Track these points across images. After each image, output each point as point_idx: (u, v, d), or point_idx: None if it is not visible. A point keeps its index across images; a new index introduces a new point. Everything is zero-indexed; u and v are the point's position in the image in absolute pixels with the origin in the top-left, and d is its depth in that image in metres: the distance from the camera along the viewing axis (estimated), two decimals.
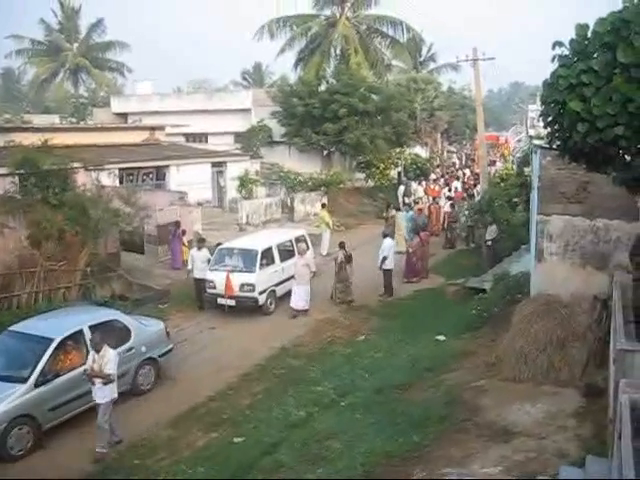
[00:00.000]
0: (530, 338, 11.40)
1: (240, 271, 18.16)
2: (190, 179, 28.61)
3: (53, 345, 11.72)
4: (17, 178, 18.65)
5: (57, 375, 11.64)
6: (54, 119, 45.32)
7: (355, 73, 36.65)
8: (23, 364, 11.71)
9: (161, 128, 34.66)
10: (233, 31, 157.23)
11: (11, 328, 12.70)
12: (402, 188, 34.99)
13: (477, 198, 28.37)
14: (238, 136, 39.06)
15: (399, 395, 12.04)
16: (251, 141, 37.64)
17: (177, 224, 21.92)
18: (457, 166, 53.34)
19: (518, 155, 42.61)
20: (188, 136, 39.72)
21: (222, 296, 17.93)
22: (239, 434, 11.54)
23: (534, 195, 14.46)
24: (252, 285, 17.84)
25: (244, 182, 31.11)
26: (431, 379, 12.59)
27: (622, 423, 5.62)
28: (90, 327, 12.40)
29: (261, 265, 18.24)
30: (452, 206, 28.77)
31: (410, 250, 21.71)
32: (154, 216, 21.93)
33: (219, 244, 19.91)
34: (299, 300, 17.98)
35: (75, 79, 60.99)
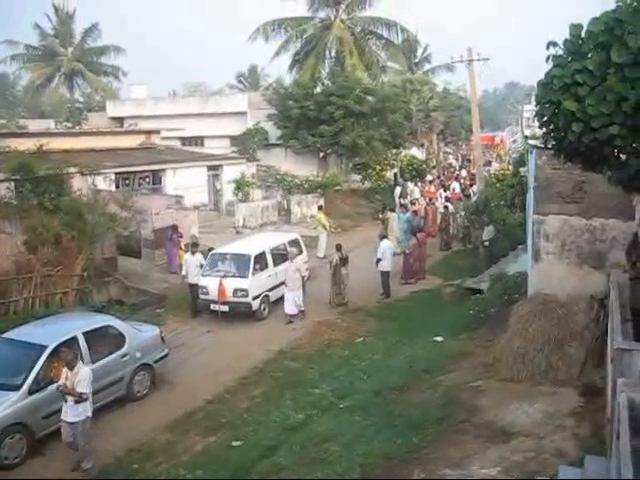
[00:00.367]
0: (527, 338, 11.40)
1: (233, 276, 18.00)
2: (186, 182, 28.59)
3: (47, 352, 11.60)
4: (13, 184, 18.63)
5: (51, 382, 11.39)
6: (49, 124, 45.26)
7: (350, 75, 36.67)
8: (16, 371, 11.54)
9: (157, 132, 34.62)
10: (228, 34, 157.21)
11: (4, 335, 12.61)
12: (398, 189, 35.00)
13: (473, 198, 28.38)
14: (234, 139, 39.04)
15: (397, 397, 12.02)
16: (247, 144, 37.65)
17: (174, 228, 21.78)
18: (457, 167, 53.36)
19: (514, 155, 42.72)
20: (184, 140, 39.69)
21: (215, 302, 17.76)
22: (237, 438, 11.52)
23: (530, 195, 14.48)
24: (245, 290, 17.67)
25: (240, 185, 31.11)
26: (429, 380, 12.58)
27: (620, 422, 5.62)
28: (84, 333, 12.35)
29: (254, 270, 18.07)
30: (445, 207, 28.76)
31: (407, 251, 21.71)
32: (150, 220, 21.91)
33: (211, 249, 19.82)
34: (292, 306, 17.81)
35: (70, 84, 60.89)
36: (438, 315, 17.72)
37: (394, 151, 39.78)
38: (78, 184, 20.74)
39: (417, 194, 34.19)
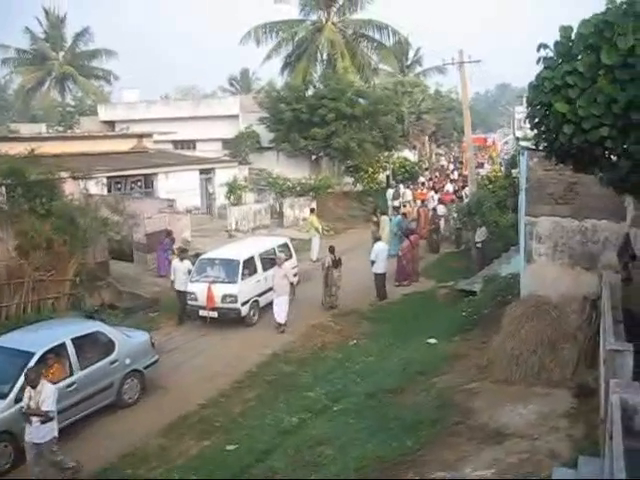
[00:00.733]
0: (521, 339, 11.42)
1: (222, 282, 17.74)
2: (178, 186, 28.57)
3: (34, 359, 11.37)
4: (4, 188, 18.55)
5: None
6: (41, 128, 45.12)
7: (342, 77, 36.69)
8: (3, 379, 11.35)
9: (149, 136, 34.58)
10: (220, 37, 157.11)
11: None
12: (390, 192, 35.05)
13: (466, 200, 28.43)
14: (226, 142, 39.01)
15: (391, 399, 12.02)
16: (239, 147, 37.61)
17: (168, 233, 21.54)
18: (451, 168, 53.49)
19: (506, 157, 42.87)
20: (176, 143, 39.66)
21: (204, 308, 17.50)
22: (232, 441, 11.48)
23: (522, 196, 14.52)
24: (234, 296, 17.40)
25: (233, 188, 31.06)
26: (423, 383, 12.58)
27: (613, 423, 5.64)
28: (73, 340, 12.21)
29: (243, 275, 17.78)
30: (433, 209, 28.78)
31: (400, 254, 21.72)
32: (143, 224, 21.86)
33: (198, 254, 19.67)
34: (282, 312, 17.37)
35: (62, 87, 60.76)
36: (431, 317, 17.74)
37: (386, 153, 39.84)
38: (70, 188, 20.65)
39: (409, 196, 34.23)
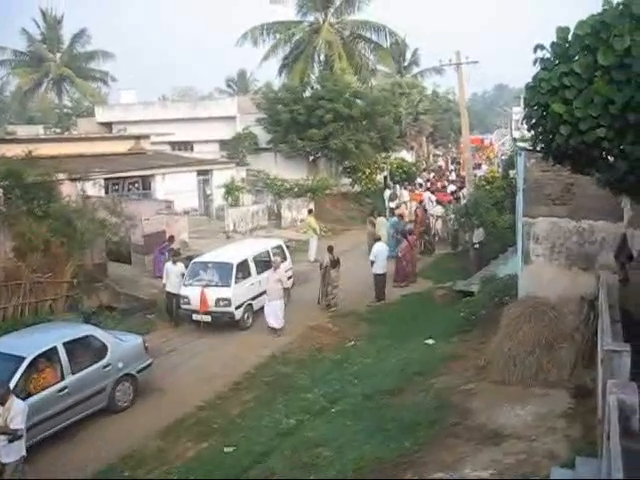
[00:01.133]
0: (518, 340, 11.43)
1: (215, 285, 17.57)
2: (176, 188, 28.55)
3: (25, 364, 11.25)
4: (1, 190, 18.52)
5: (29, 395, 11.12)
6: (38, 130, 45.19)
7: (339, 78, 36.70)
8: None
9: (146, 137, 34.53)
10: (217, 39, 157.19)
11: None
12: (388, 193, 35.07)
13: (463, 201, 28.45)
14: (224, 144, 39.03)
15: (389, 400, 12.02)
16: (237, 148, 37.62)
17: (171, 239, 21.15)
18: (451, 168, 53.55)
19: (503, 157, 42.91)
20: (173, 144, 39.63)
21: (197, 312, 17.34)
22: (229, 443, 11.48)
23: (519, 197, 14.53)
24: (228, 300, 17.23)
25: (230, 190, 31.05)
26: (421, 383, 12.58)
27: (610, 424, 5.64)
28: (64, 344, 12.09)
29: (237, 279, 17.59)
30: (424, 210, 28.76)
31: (400, 254, 21.71)
32: (140, 225, 21.83)
33: (190, 257, 19.52)
34: (275, 318, 17.18)
35: (59, 89, 60.76)
36: (429, 318, 17.74)
37: (384, 154, 39.85)
38: (67, 190, 20.64)
39: (406, 197, 34.20)
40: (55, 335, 12.62)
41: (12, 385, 10.59)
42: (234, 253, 19.00)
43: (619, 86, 6.61)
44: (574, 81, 6.95)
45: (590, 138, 6.98)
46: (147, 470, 10.82)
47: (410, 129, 48.44)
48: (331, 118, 33.75)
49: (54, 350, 11.93)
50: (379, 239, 21.34)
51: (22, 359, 11.35)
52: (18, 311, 17.01)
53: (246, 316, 17.82)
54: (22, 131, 41.80)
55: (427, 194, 33.33)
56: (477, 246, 22.46)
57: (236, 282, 17.55)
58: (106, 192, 25.80)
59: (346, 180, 38.34)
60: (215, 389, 13.82)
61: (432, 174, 48.32)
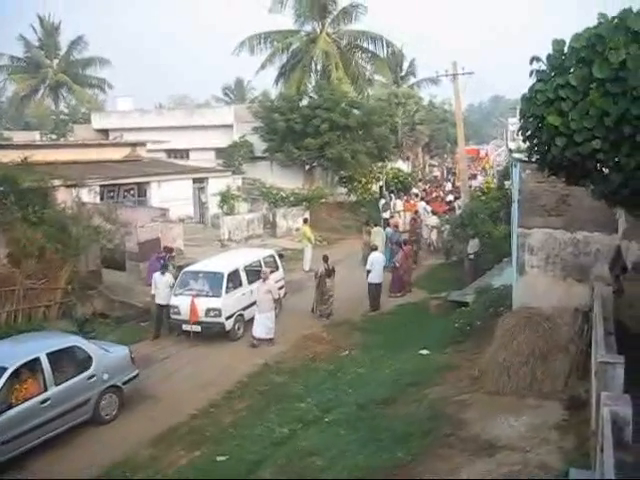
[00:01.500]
0: (513, 351, 11.43)
1: (206, 295, 17.32)
2: (172, 195, 28.55)
3: (6, 374, 11.03)
4: None
5: (10, 406, 10.98)
6: (34, 136, 45.09)
7: (336, 88, 36.78)
8: None
9: (142, 144, 34.53)
10: (214, 46, 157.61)
11: None
12: (382, 202, 35.14)
13: (458, 212, 28.48)
14: (220, 152, 39.05)
15: (382, 410, 12.00)
16: (233, 157, 37.65)
17: (169, 250, 20.91)
18: (450, 179, 53.61)
19: (499, 168, 43.02)
20: (169, 152, 39.64)
21: (187, 322, 17.05)
22: (222, 452, 11.42)
23: (515, 208, 14.56)
24: (218, 310, 16.99)
25: (226, 198, 31.06)
26: (415, 394, 12.56)
27: (604, 436, 5.64)
28: (48, 354, 11.84)
29: (227, 289, 17.36)
30: (413, 219, 28.72)
31: (397, 264, 21.69)
32: (135, 233, 21.79)
33: (181, 267, 19.33)
34: (262, 328, 16.94)
35: (55, 95, 60.71)
36: (424, 328, 17.73)
37: (380, 164, 39.89)
38: (62, 196, 20.64)
39: (399, 207, 34.20)
40: (39, 345, 12.38)
41: None
42: (225, 263, 18.78)
43: (614, 99, 6.65)
44: (570, 93, 6.99)
45: (585, 150, 7.01)
46: (139, 478, 10.75)
47: (406, 139, 48.53)
48: (327, 127, 33.81)
49: (37, 360, 11.69)
50: (375, 248, 21.34)
51: (3, 369, 11.13)
52: (11, 317, 16.96)
53: (237, 327, 17.60)
54: (18, 137, 41.72)
55: (422, 204, 33.34)
56: (472, 256, 22.46)
57: (227, 292, 17.34)
58: (101, 199, 25.77)
59: (342, 189, 38.36)
60: (208, 397, 13.77)
61: (428, 184, 48.41)
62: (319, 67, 41.43)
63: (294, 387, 14.26)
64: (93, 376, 12.64)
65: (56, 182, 20.60)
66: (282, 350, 16.61)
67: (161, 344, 17.16)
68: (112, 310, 19.21)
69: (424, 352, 15.18)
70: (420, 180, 49.00)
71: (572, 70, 7.08)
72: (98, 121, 44.75)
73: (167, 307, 17.64)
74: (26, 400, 11.29)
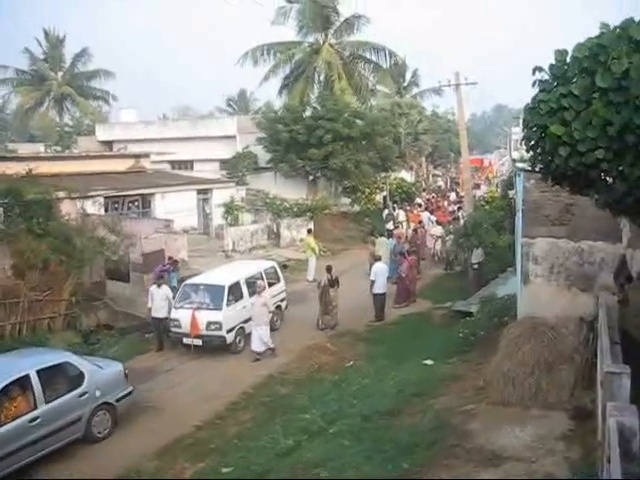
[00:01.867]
0: (517, 361, 11.38)
1: (206, 308, 17.21)
2: (176, 206, 28.56)
3: None
4: (1, 208, 18.56)
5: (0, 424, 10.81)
6: (39, 148, 45.25)
7: (339, 99, 36.90)
8: None
9: (146, 156, 34.64)
10: (218, 58, 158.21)
11: None
12: (386, 212, 35.12)
13: (462, 221, 28.45)
14: (224, 163, 39.14)
15: (387, 421, 11.94)
16: (236, 168, 37.70)
17: (175, 263, 21.00)
18: (453, 188, 53.57)
19: (502, 178, 43.01)
20: (173, 163, 39.75)
21: (188, 335, 16.93)
22: (227, 464, 11.38)
23: (518, 218, 14.54)
24: (219, 323, 16.86)
25: (230, 209, 31.12)
26: (419, 404, 12.50)
27: (610, 447, 5.61)
28: (38, 372, 11.56)
29: (228, 301, 17.25)
30: (415, 231, 28.63)
31: (403, 274, 21.66)
32: (139, 244, 21.80)
33: (184, 279, 19.24)
34: (258, 342, 16.75)
35: (60, 107, 60.95)
36: (428, 338, 17.69)
37: (383, 174, 39.96)
38: (67, 208, 20.69)
39: (402, 217, 34.16)
40: (28, 362, 12.08)
41: None
42: (226, 275, 18.64)
43: (617, 108, 6.65)
44: (573, 103, 6.99)
45: (589, 159, 7.01)
46: None
47: (409, 149, 48.61)
48: (331, 138, 33.87)
49: (26, 378, 11.42)
50: (379, 259, 21.32)
51: None
52: (16, 329, 17.00)
53: (238, 340, 17.43)
54: (23, 149, 41.91)
55: (426, 214, 33.33)
56: (476, 266, 22.43)
57: (228, 305, 17.23)
58: (106, 210, 25.85)
59: (345, 200, 38.39)
60: (213, 409, 13.75)
61: (432, 194, 48.43)
62: (322, 78, 41.58)
63: (299, 398, 14.21)
64: (85, 393, 12.38)
65: (60, 194, 20.64)
66: (286, 361, 16.58)
67: (165, 356, 17.16)
68: (116, 321, 19.23)
69: (428, 362, 15.12)
70: (424, 190, 49.03)
71: (575, 80, 7.09)
72: (102, 133, 44.92)
73: (164, 320, 17.49)
74: (15, 418, 11.03)
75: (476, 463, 9.35)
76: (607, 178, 7.41)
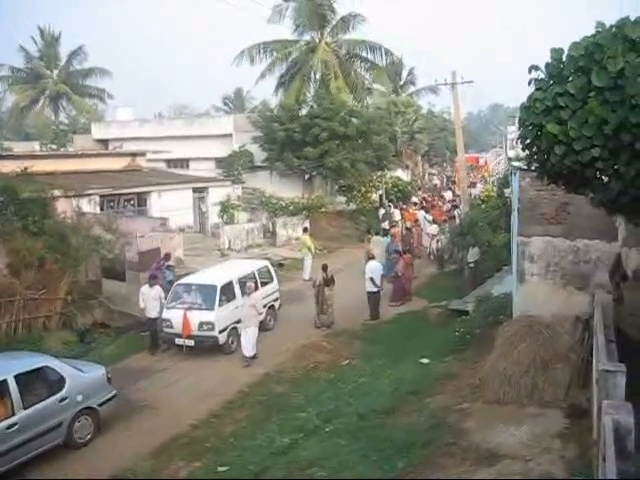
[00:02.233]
0: (513, 359, 11.39)
1: (199, 309, 16.96)
2: (172, 205, 28.52)
3: None
4: None
5: None
6: (34, 146, 45.17)
7: (335, 97, 36.85)
8: None
9: (142, 154, 34.56)
10: (214, 57, 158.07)
11: None
12: (382, 211, 35.11)
13: (457, 220, 28.44)
14: (219, 161, 39.08)
15: (383, 420, 11.94)
16: (232, 166, 37.65)
17: (167, 256, 20.84)
18: (449, 186, 53.54)
19: (498, 176, 43.04)
20: (169, 162, 39.67)
21: (180, 336, 16.69)
22: (223, 463, 11.37)
23: (514, 216, 14.56)
24: (211, 323, 16.64)
25: (226, 207, 31.10)
26: (415, 403, 12.51)
27: (606, 445, 5.62)
28: (16, 376, 11.23)
29: (221, 301, 16.99)
30: (407, 229, 28.57)
31: (399, 273, 21.66)
32: (135, 243, 21.74)
33: (171, 282, 19.02)
34: (250, 347, 16.48)
35: (55, 106, 60.84)
36: (424, 337, 17.70)
37: (379, 173, 39.93)
38: (62, 207, 20.64)
39: (397, 216, 34.13)
40: (6, 367, 11.65)
41: None
42: (218, 275, 18.44)
43: (613, 107, 6.66)
44: (568, 102, 7.01)
45: (584, 158, 7.02)
46: None
47: (405, 148, 48.60)
48: (327, 137, 33.85)
49: (4, 383, 11.11)
50: (373, 257, 21.30)
51: None
52: (11, 328, 16.93)
53: (230, 340, 17.18)
54: (18, 147, 41.83)
55: (422, 213, 33.28)
56: (472, 265, 22.45)
57: (220, 305, 16.99)
58: (101, 209, 25.79)
59: (341, 198, 38.34)
60: (209, 408, 13.73)
61: (428, 193, 48.41)
62: (318, 76, 41.51)
63: (295, 397, 14.20)
64: (66, 398, 12.02)
65: (56, 192, 20.59)
66: (282, 360, 16.57)
67: (160, 355, 17.13)
68: (112, 320, 19.18)
69: (424, 361, 15.13)
70: (420, 189, 49.02)
71: (571, 79, 7.10)
72: (98, 131, 44.82)
73: (158, 320, 17.35)
74: None
75: (472, 462, 9.36)
76: (603, 177, 7.43)
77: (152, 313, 17.41)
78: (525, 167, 9.61)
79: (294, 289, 22.62)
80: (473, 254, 22.51)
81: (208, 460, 11.58)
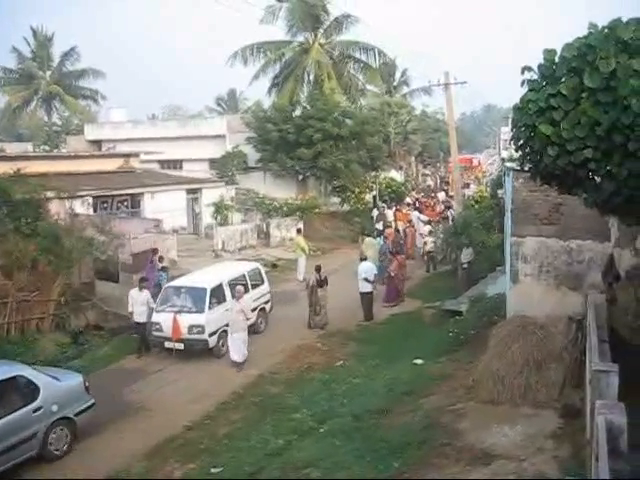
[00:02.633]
0: (507, 360, 11.41)
1: (188, 311, 16.75)
2: (165, 206, 28.48)
3: None
4: None
5: None
6: (27, 147, 45.04)
7: (329, 98, 36.87)
8: None
9: (135, 155, 34.51)
10: (207, 58, 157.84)
11: None
12: (375, 212, 35.15)
13: (451, 221, 28.45)
14: (213, 162, 39.08)
15: (378, 420, 11.95)
16: (226, 167, 37.64)
17: (155, 251, 21.07)
18: (443, 187, 53.56)
19: (492, 177, 43.12)
20: (163, 163, 39.62)
21: (169, 339, 16.47)
22: (217, 464, 11.37)
23: (508, 217, 14.59)
24: (201, 326, 16.44)
25: (219, 208, 31.05)
26: (409, 403, 12.52)
27: (599, 445, 5.64)
28: None
29: (211, 304, 16.82)
30: (397, 231, 28.61)
31: (392, 274, 21.66)
32: (128, 244, 21.70)
33: (172, 279, 18.99)
34: (238, 351, 16.17)
35: (48, 107, 60.62)
36: (418, 337, 17.71)
37: (373, 174, 39.98)
38: (55, 208, 20.61)
39: (390, 217, 34.09)
40: None
41: None
42: (208, 277, 18.24)
43: (605, 108, 6.69)
44: (561, 102, 7.02)
45: (577, 159, 7.04)
46: None
47: (399, 149, 48.62)
48: (320, 137, 33.88)
49: None
50: (365, 258, 21.29)
51: None
52: (4, 330, 16.90)
53: (221, 343, 16.97)
54: (11, 148, 41.73)
55: (415, 214, 33.33)
56: (465, 265, 22.48)
57: (210, 308, 16.83)
58: (95, 210, 25.73)
59: (335, 199, 38.38)
60: (203, 409, 13.73)
61: (421, 194, 48.45)
62: (312, 77, 41.58)
63: (289, 398, 14.21)
64: (40, 408, 11.57)
65: (49, 194, 20.54)
66: (277, 361, 16.57)
67: (154, 356, 17.09)
68: (106, 322, 19.15)
69: (418, 361, 15.14)
70: (413, 189, 49.07)
71: (563, 80, 7.12)
72: (91, 132, 44.73)
73: (146, 324, 17.15)
74: None
75: (466, 462, 9.38)
76: (595, 177, 7.44)
77: (139, 318, 17.16)
78: (518, 168, 9.63)
79: (288, 290, 22.62)
80: (467, 255, 22.53)
81: (202, 461, 11.58)
